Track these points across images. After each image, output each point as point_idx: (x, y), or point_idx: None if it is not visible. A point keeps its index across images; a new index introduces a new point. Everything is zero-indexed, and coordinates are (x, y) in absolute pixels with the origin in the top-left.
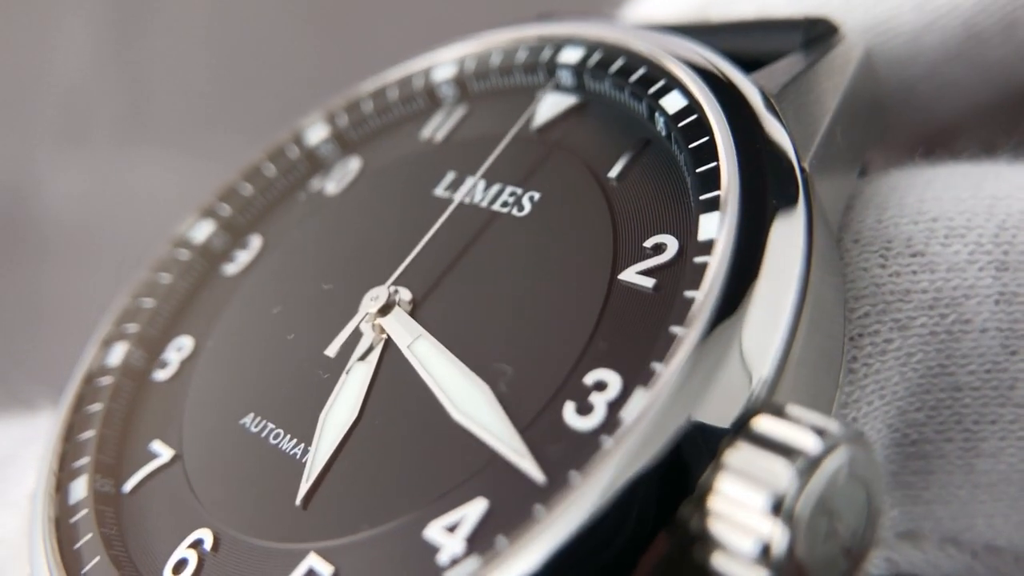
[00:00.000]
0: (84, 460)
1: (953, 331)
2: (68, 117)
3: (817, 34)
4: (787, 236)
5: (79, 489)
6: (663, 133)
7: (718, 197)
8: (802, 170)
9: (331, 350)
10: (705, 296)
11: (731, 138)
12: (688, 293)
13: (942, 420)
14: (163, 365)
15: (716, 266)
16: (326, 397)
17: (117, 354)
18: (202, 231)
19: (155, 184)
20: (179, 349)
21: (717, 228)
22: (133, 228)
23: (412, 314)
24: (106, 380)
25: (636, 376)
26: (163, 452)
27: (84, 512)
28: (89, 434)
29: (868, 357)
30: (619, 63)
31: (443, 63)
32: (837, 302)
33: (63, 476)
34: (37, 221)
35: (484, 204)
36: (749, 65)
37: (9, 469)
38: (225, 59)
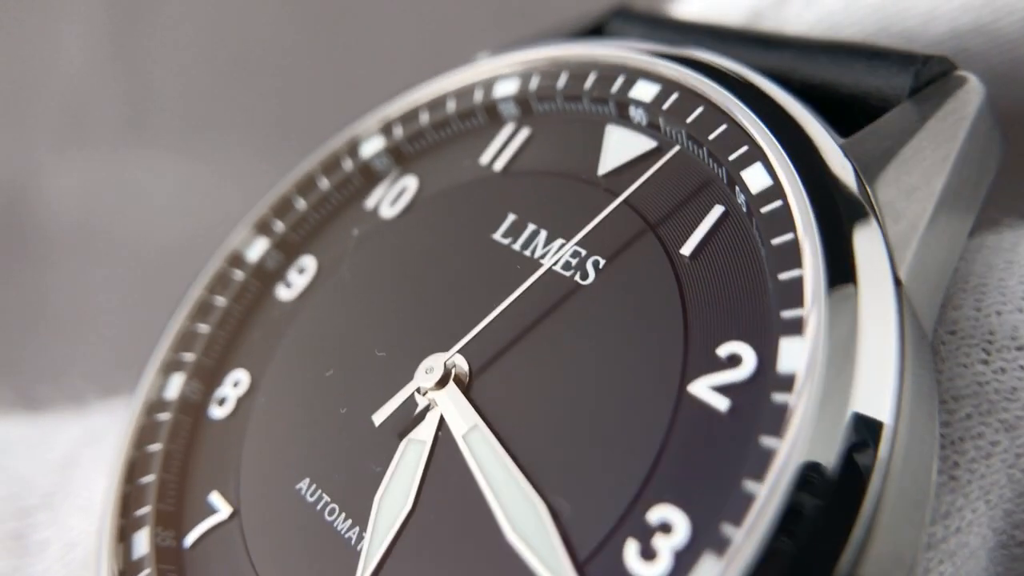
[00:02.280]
0: (146, 509)
1: None
2: (68, 117)
3: (931, 76)
4: (879, 376)
5: (142, 543)
6: (743, 209)
7: (801, 320)
8: (897, 282)
9: (379, 417)
10: (788, 455)
11: (820, 247)
12: (766, 441)
13: None
14: (220, 402)
15: (800, 417)
16: (380, 473)
17: (174, 386)
18: (256, 249)
19: (156, 183)
20: (235, 384)
21: (801, 364)
22: (134, 227)
23: (468, 389)
24: (164, 416)
25: (705, 531)
26: (222, 508)
27: (147, 572)
28: (150, 478)
29: (972, 462)
30: (697, 112)
31: (505, 76)
32: (929, 432)
33: (126, 523)
34: (38, 220)
35: (545, 261)
36: (840, 102)
37: (74, 471)
38: (226, 59)
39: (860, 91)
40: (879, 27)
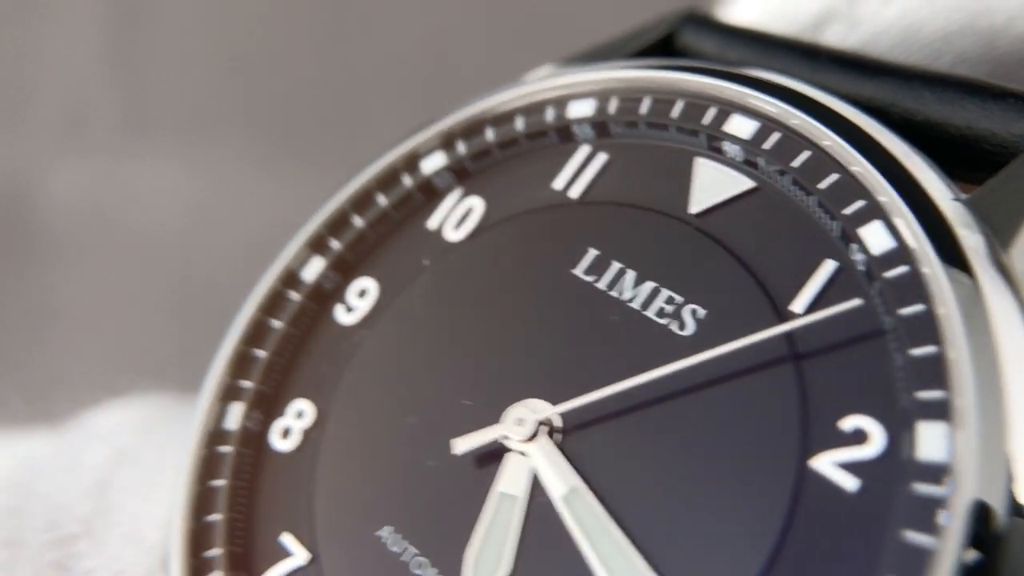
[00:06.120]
0: (216, 551)
1: None
2: (69, 117)
3: None
4: None
5: None
6: (861, 268)
7: (945, 405)
8: None
9: (460, 446)
10: (946, 556)
11: (962, 325)
12: (914, 537)
13: None
14: (283, 433)
15: (961, 515)
16: (469, 526)
17: (234, 416)
18: (312, 269)
19: (157, 183)
20: (299, 415)
21: (951, 454)
22: (135, 227)
23: (560, 442)
24: (226, 448)
25: None
26: (297, 552)
27: None
28: (217, 517)
29: None
30: (804, 157)
31: (580, 96)
32: None
33: (197, 565)
34: (38, 221)
35: (636, 306)
36: (948, 142)
37: (111, 495)
38: (227, 58)
39: (973, 134)
40: (962, 24)
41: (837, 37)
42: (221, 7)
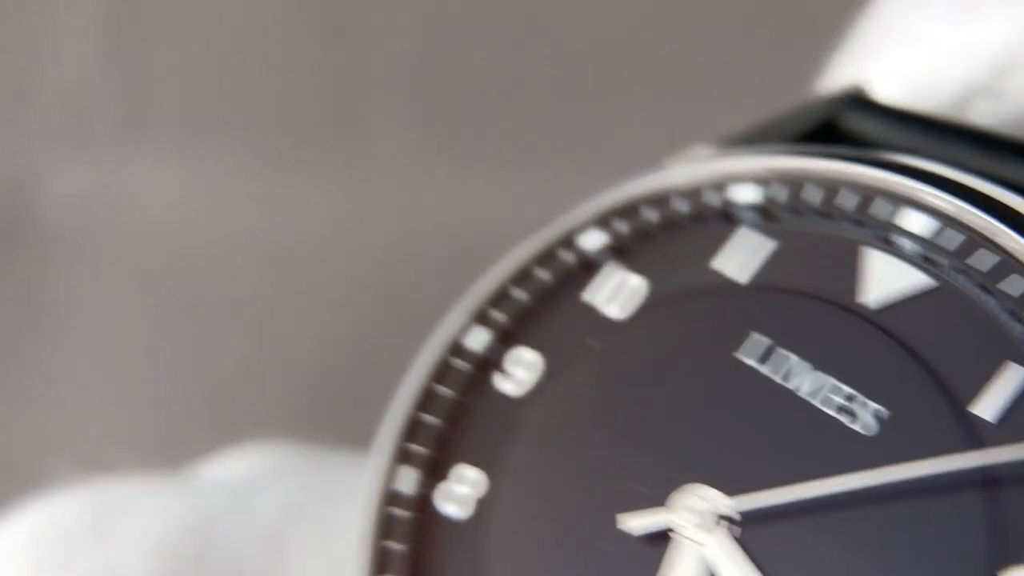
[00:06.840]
0: None
1: None
2: (69, 117)
3: None
4: None
5: None
6: None
7: None
8: None
9: (628, 522)
10: None
11: None
12: None
13: None
14: (452, 499)
15: None
16: None
17: (407, 480)
18: (478, 340)
19: (158, 184)
20: (467, 482)
21: None
22: (135, 228)
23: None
24: (398, 511)
25: None
26: None
27: None
28: None
29: None
30: (983, 257)
31: (740, 180)
32: None
33: None
34: (37, 221)
35: (810, 398)
36: None
37: (285, 548)
38: (228, 58)
39: None
40: None
41: (984, 112)
42: (222, 7)
